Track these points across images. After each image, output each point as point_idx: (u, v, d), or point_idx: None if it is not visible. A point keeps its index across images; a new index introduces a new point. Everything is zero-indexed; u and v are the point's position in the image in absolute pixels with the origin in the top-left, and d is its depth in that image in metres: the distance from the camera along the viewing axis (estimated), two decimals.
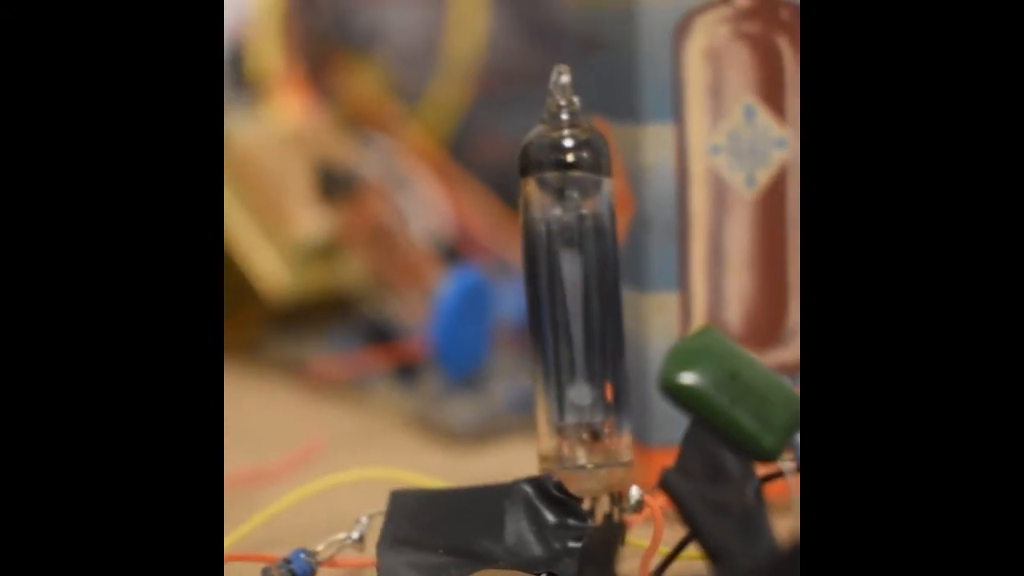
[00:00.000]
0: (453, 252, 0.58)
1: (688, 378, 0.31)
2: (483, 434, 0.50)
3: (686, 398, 0.31)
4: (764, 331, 0.42)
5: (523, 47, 0.74)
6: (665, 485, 0.31)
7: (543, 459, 0.37)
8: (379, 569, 0.35)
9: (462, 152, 0.72)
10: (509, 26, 0.74)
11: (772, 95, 0.41)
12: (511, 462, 0.47)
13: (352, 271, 0.58)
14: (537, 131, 0.37)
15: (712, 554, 0.30)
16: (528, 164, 0.37)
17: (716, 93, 0.41)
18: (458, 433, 0.50)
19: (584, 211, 0.37)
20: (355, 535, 0.38)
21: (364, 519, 0.38)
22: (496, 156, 0.73)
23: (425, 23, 0.73)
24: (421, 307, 0.54)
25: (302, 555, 0.37)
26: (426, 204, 0.62)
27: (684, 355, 0.31)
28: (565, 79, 0.37)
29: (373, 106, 0.69)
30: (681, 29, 0.40)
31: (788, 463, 0.31)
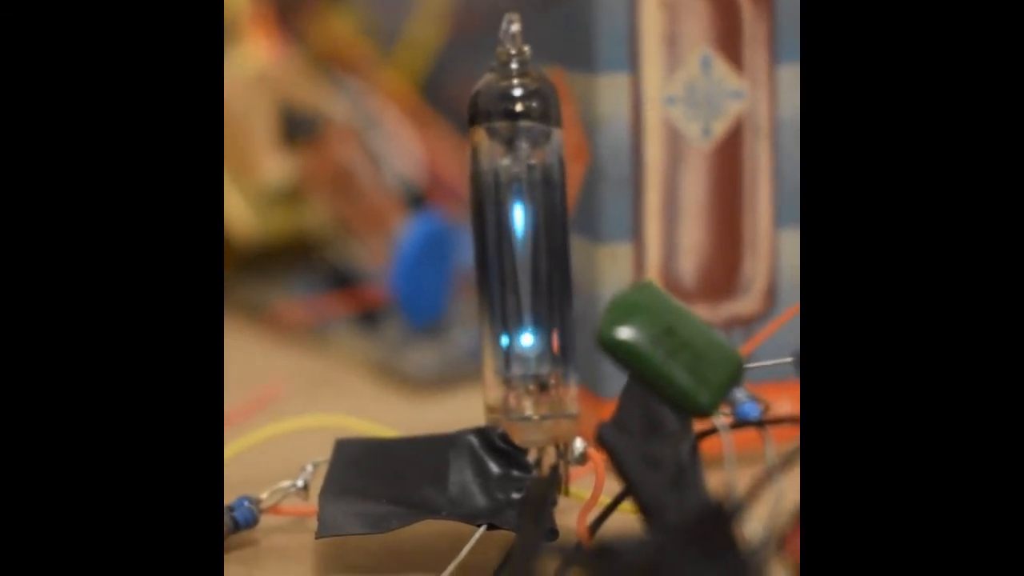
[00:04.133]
0: (419, 197, 0.58)
1: (624, 333, 0.31)
2: (443, 381, 0.50)
3: (622, 353, 0.31)
4: (718, 283, 0.41)
5: None
6: (601, 439, 0.31)
7: (490, 410, 0.37)
8: (320, 518, 0.35)
9: (435, 95, 0.71)
10: None
11: (729, 46, 0.41)
12: (470, 409, 0.47)
13: (316, 216, 0.58)
14: (486, 80, 0.37)
15: (644, 508, 0.30)
16: (477, 113, 0.37)
17: (672, 43, 0.40)
18: (418, 380, 0.50)
19: (533, 161, 0.37)
20: (299, 483, 0.38)
21: (309, 467, 0.38)
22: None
23: None
24: (384, 253, 0.54)
25: (245, 503, 0.37)
26: (397, 147, 0.62)
27: (621, 310, 0.31)
28: (515, 27, 0.37)
29: (345, 47, 0.68)
30: None
31: (723, 419, 0.31)
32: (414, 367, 0.50)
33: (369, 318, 0.53)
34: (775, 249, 0.42)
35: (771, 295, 0.42)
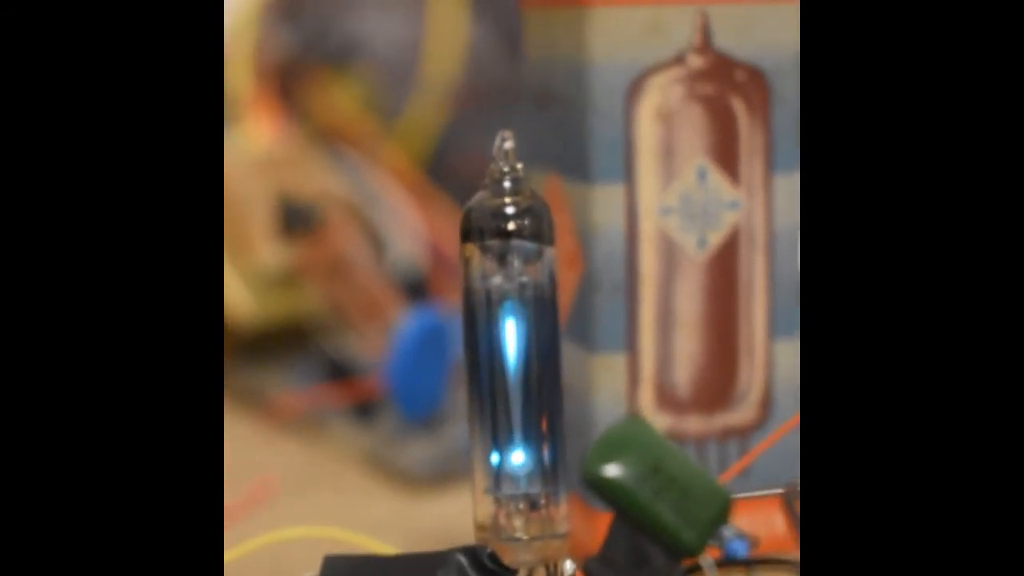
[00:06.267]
0: (419, 286, 0.57)
1: (610, 471, 0.31)
2: (439, 476, 0.49)
3: (608, 491, 0.30)
4: (713, 393, 0.41)
5: (503, 63, 0.73)
6: (588, 573, 0.31)
7: (479, 528, 0.37)
8: None
9: (438, 171, 0.71)
10: (489, 42, 0.73)
11: (725, 157, 0.40)
12: (465, 508, 0.47)
13: (313, 304, 0.57)
14: (479, 197, 0.37)
15: None
16: (470, 230, 0.37)
17: (668, 154, 0.40)
18: (413, 474, 0.49)
19: (525, 279, 0.36)
20: None
21: None
22: (472, 176, 0.72)
23: (405, 40, 0.72)
24: (381, 344, 0.53)
25: None
26: (399, 223, 0.62)
27: (608, 446, 0.31)
28: (508, 145, 0.37)
29: (348, 121, 0.68)
30: (634, 88, 0.40)
31: (708, 559, 0.31)
32: (410, 461, 0.50)
33: (365, 410, 0.53)
34: (771, 360, 0.41)
35: (767, 406, 0.41)
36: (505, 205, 0.36)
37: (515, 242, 0.36)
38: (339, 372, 0.54)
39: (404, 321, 0.52)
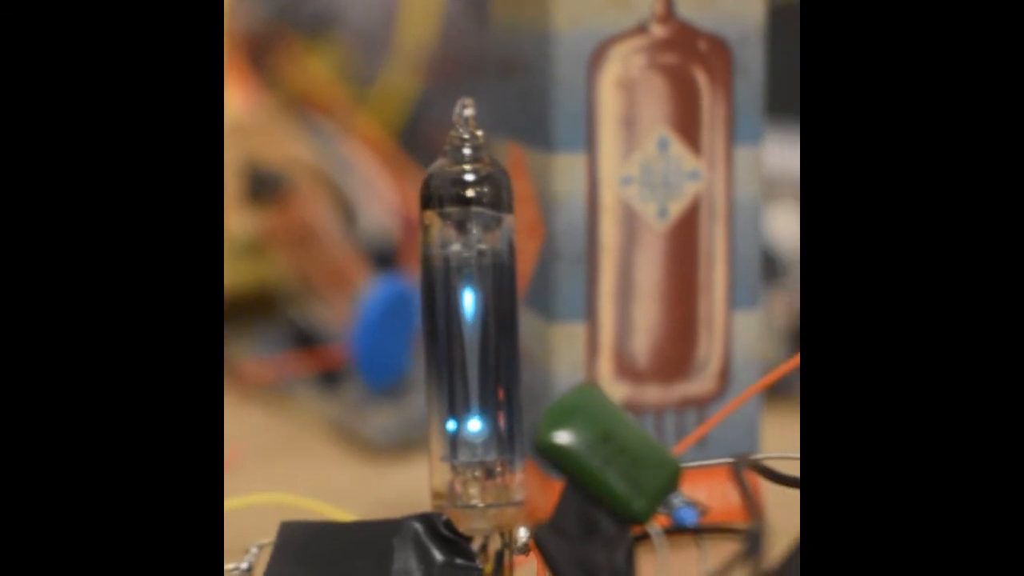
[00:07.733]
0: (387, 256, 0.57)
1: (561, 438, 0.31)
2: (402, 445, 0.49)
3: (558, 458, 0.31)
4: (672, 363, 0.41)
5: (477, 32, 0.73)
6: (537, 542, 0.31)
7: (435, 495, 0.37)
8: None
9: (411, 140, 0.71)
10: (463, 11, 0.73)
11: (686, 127, 0.41)
12: (427, 476, 0.47)
13: (280, 272, 0.57)
14: (439, 164, 0.37)
15: None
16: (429, 197, 0.37)
17: (630, 123, 0.40)
18: (377, 443, 0.49)
19: (483, 247, 0.37)
20: (243, 565, 0.37)
21: (254, 549, 0.38)
22: (444, 145, 0.72)
23: (378, 8, 0.72)
24: (347, 312, 0.53)
25: None
26: (371, 192, 0.62)
27: (559, 414, 0.31)
28: (468, 112, 0.37)
29: (321, 90, 0.68)
30: (596, 58, 0.40)
31: (656, 527, 0.31)
32: (373, 430, 0.50)
33: (330, 379, 0.53)
34: (730, 330, 0.41)
35: (725, 376, 0.42)
36: (464, 172, 0.36)
37: (474, 209, 0.36)
38: (305, 340, 0.54)
39: (369, 290, 0.52)
